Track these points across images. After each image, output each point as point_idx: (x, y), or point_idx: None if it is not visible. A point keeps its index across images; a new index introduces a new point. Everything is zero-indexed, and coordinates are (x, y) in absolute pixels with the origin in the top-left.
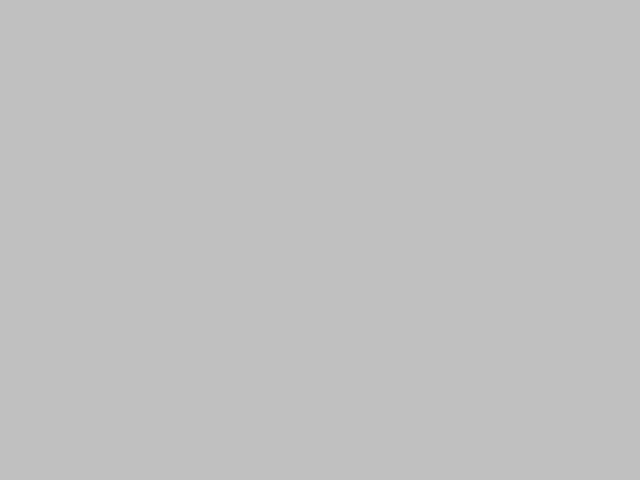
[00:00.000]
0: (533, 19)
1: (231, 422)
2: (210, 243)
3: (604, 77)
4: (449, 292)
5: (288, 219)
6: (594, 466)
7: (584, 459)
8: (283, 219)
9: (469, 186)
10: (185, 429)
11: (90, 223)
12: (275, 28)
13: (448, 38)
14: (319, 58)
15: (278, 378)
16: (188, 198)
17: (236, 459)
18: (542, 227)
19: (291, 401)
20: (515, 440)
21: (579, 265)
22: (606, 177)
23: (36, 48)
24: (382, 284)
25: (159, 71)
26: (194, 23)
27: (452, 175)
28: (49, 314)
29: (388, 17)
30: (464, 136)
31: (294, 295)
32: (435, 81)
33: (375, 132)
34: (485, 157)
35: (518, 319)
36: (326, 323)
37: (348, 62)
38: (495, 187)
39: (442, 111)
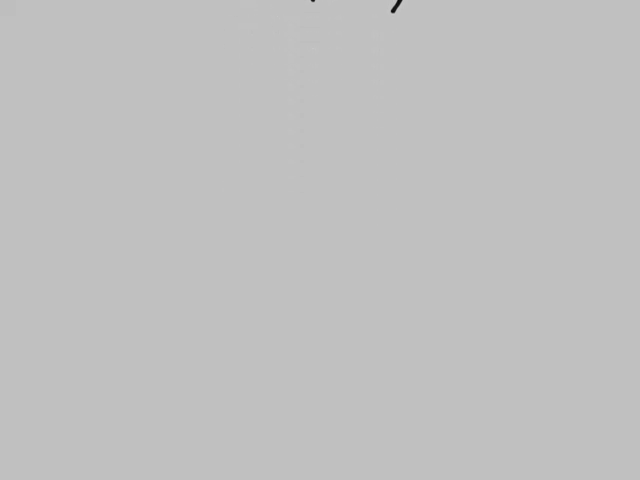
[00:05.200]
0: (534, 19)
1: (231, 422)
2: (209, 243)
3: (604, 77)
4: (450, 293)
5: (288, 218)
6: (594, 466)
7: (584, 459)
8: (284, 219)
9: (470, 187)
10: (185, 429)
11: (89, 223)
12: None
13: (449, 39)
14: (320, 58)
15: (278, 378)
16: (187, 198)
17: (236, 459)
18: (542, 227)
19: (291, 401)
20: (515, 440)
21: (579, 265)
22: (606, 177)
23: (36, 48)
24: (382, 284)
25: (159, 71)
26: (194, 23)
27: (453, 176)
28: (49, 314)
29: (388, 18)
30: (465, 137)
31: (294, 295)
32: (436, 81)
33: (376, 133)
34: (486, 158)
35: (518, 319)
36: (326, 323)
37: (348, 62)
38: (496, 188)
39: (442, 112)
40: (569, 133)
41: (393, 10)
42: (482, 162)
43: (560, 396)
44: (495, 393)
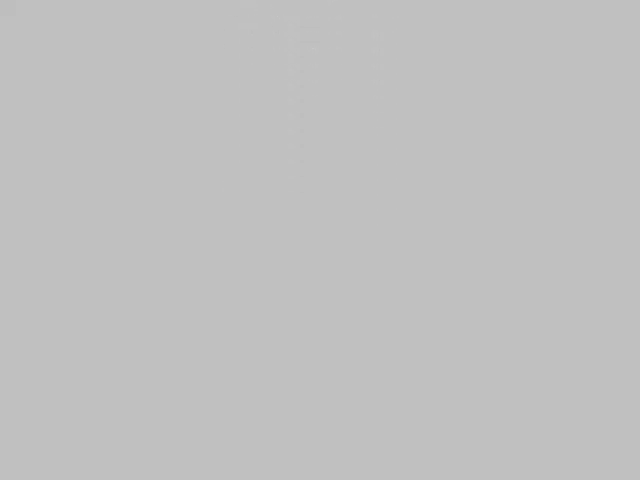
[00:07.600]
0: (533, 19)
1: (231, 422)
2: (210, 243)
3: (604, 77)
4: (450, 293)
5: (289, 219)
6: (594, 466)
7: (584, 459)
8: (284, 219)
9: (470, 187)
10: (185, 429)
11: (90, 223)
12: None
13: (449, 39)
14: (322, 58)
15: (277, 378)
16: (188, 198)
17: (236, 459)
18: (542, 227)
19: (290, 402)
20: (515, 440)
21: (579, 265)
22: (606, 177)
23: (36, 48)
24: (383, 284)
25: (159, 71)
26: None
27: (453, 176)
28: (49, 314)
29: (390, 18)
30: (465, 137)
31: (294, 295)
32: (436, 81)
33: (376, 133)
34: (486, 158)
35: (518, 319)
36: (325, 323)
37: (349, 62)
38: (496, 188)
39: (442, 112)
40: (567, 135)
41: None
42: (481, 162)
43: (559, 392)
44: (494, 392)
